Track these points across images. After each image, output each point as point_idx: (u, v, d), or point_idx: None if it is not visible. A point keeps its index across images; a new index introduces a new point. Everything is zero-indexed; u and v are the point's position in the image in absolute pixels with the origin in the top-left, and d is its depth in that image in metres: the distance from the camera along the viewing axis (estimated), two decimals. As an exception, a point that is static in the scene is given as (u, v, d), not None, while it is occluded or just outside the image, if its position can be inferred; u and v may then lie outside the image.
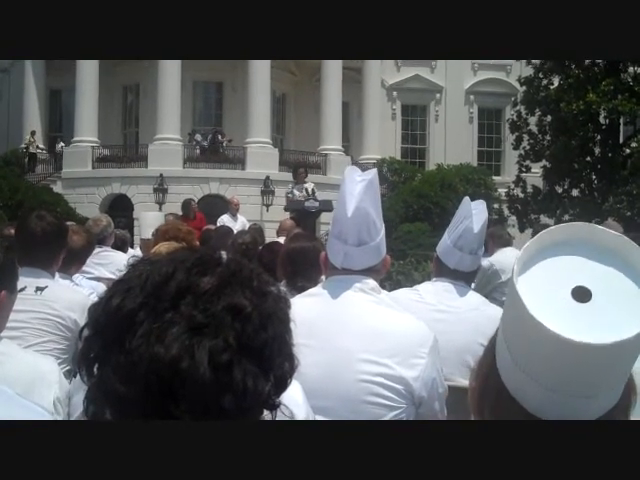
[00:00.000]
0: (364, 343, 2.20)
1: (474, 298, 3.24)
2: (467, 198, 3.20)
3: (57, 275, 3.37)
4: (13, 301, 2.15)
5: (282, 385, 0.98)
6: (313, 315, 2.25)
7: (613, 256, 0.99)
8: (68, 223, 3.97)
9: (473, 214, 3.09)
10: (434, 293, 3.18)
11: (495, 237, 6.52)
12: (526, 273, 0.98)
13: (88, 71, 27.59)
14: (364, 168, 2.70)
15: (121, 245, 6.71)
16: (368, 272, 2.34)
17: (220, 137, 28.06)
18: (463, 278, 3.19)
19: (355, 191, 2.25)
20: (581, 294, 0.95)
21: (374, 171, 2.34)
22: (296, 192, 12.91)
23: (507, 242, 6.53)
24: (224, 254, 1.02)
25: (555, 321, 0.91)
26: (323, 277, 2.79)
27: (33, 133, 28.72)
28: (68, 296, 3.17)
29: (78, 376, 0.99)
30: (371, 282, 2.34)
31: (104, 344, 0.93)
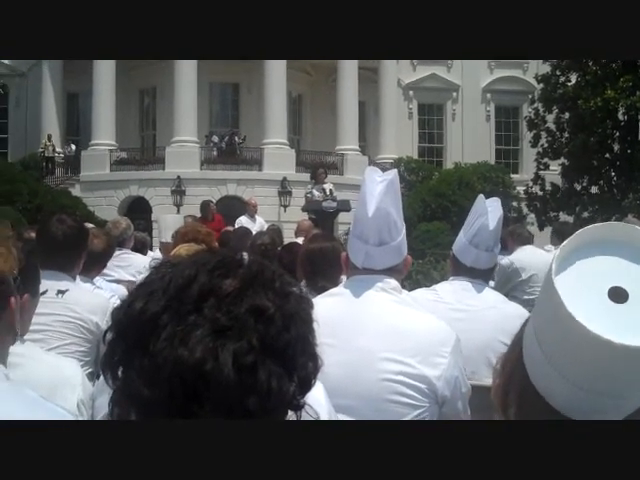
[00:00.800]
0: (386, 342, 2.20)
1: (492, 296, 3.23)
2: (481, 196, 3.19)
3: (78, 278, 3.39)
4: (36, 305, 2.15)
5: (306, 385, 0.97)
6: (335, 315, 2.25)
7: None
8: (88, 226, 3.98)
9: (488, 211, 3.09)
10: (452, 292, 3.17)
11: (515, 235, 6.50)
12: (564, 272, 0.98)
13: (104, 74, 27.78)
14: (382, 167, 2.70)
15: (141, 248, 6.74)
16: (389, 272, 2.34)
17: (237, 138, 28.16)
18: (480, 276, 3.18)
19: (376, 191, 2.26)
20: (618, 295, 0.95)
21: (394, 171, 2.35)
22: (315, 192, 12.91)
23: (527, 240, 6.51)
24: (245, 255, 1.02)
25: (592, 321, 0.91)
26: (343, 277, 2.79)
27: (50, 137, 28.93)
28: (89, 299, 3.19)
29: (101, 378, 0.99)
30: (392, 282, 2.34)
31: (128, 347, 0.93)
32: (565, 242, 0.99)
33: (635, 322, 0.92)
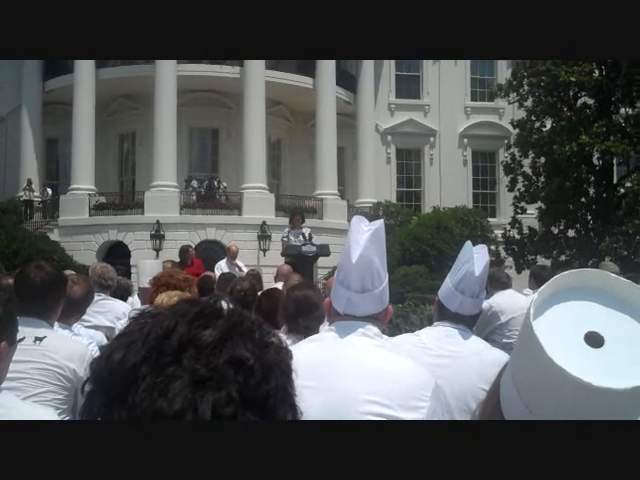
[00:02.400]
0: (367, 384, 2.20)
1: (475, 343, 3.22)
2: (469, 242, 3.21)
3: (56, 325, 3.36)
4: (13, 352, 2.14)
5: None
6: (315, 358, 2.26)
7: (625, 304, 1.01)
8: (67, 272, 3.97)
9: (474, 258, 3.10)
10: (435, 338, 3.16)
11: (494, 279, 6.52)
12: (541, 317, 1.00)
13: (84, 119, 27.82)
14: (360, 212, 2.73)
15: (123, 294, 6.69)
16: (370, 319, 2.36)
17: (216, 183, 28.20)
18: (464, 322, 3.17)
19: (361, 239, 2.29)
20: (594, 340, 0.97)
21: (380, 222, 2.39)
22: (291, 237, 12.92)
23: (505, 285, 6.54)
24: (225, 305, 1.02)
25: (571, 365, 0.93)
26: (322, 327, 2.80)
27: (30, 181, 28.86)
28: (67, 346, 3.16)
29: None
30: (373, 328, 2.35)
31: (107, 400, 0.92)
32: (542, 288, 1.02)
33: (612, 366, 0.94)
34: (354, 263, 2.28)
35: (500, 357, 3.11)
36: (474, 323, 3.32)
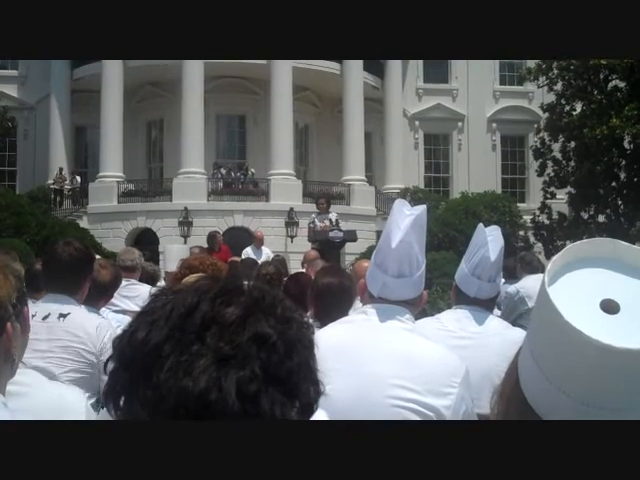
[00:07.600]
0: (397, 369, 2.20)
1: (495, 323, 3.23)
2: (481, 225, 3.17)
3: (83, 307, 3.38)
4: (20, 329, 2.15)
5: (308, 411, 0.97)
6: (347, 340, 2.27)
7: (636, 270, 1.01)
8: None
9: (489, 241, 3.07)
10: (456, 320, 3.17)
11: (524, 262, 6.46)
12: (555, 285, 0.99)
13: (112, 107, 28.03)
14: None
15: (151, 281, 6.71)
16: (404, 304, 2.35)
17: (244, 170, 28.30)
18: (483, 305, 3.17)
19: (402, 224, 2.26)
20: (609, 307, 0.97)
21: (423, 207, 2.36)
22: (317, 222, 12.87)
23: (536, 269, 6.48)
24: (246, 283, 1.02)
25: (589, 329, 0.92)
26: (353, 307, 2.78)
27: (61, 170, 29.16)
28: (88, 320, 3.18)
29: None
30: (406, 312, 2.34)
31: (130, 378, 0.92)
32: (554, 258, 1.02)
33: (630, 329, 0.93)
34: (394, 247, 2.26)
35: (521, 336, 3.07)
36: (493, 305, 3.31)
